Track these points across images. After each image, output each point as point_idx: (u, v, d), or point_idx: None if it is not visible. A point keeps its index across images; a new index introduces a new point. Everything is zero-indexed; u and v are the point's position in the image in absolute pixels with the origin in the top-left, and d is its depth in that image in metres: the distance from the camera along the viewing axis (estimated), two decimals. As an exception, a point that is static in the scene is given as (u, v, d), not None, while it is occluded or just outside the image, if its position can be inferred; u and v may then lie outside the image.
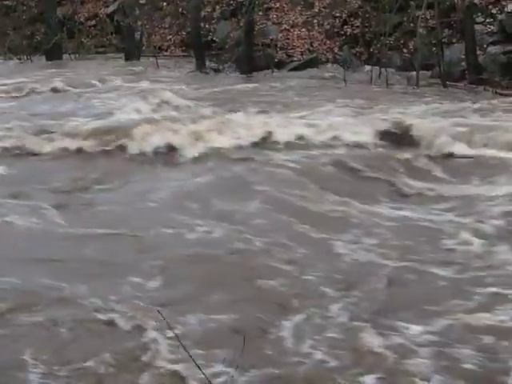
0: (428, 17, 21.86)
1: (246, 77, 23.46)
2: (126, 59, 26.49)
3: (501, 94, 18.51)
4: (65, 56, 28.46)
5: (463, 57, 21.01)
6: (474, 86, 19.88)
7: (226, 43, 25.46)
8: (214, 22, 26.29)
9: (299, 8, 25.56)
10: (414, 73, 20.46)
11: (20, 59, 28.51)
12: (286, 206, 10.54)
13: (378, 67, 21.61)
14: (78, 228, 9.54)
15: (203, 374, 6.54)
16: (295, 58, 24.45)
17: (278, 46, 24.86)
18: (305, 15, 25.34)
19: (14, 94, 19.67)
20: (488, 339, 7.18)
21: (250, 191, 11.60)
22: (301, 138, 13.51)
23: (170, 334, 7.85)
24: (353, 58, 23.50)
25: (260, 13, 25.14)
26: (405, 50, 22.64)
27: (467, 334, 7.30)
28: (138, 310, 7.22)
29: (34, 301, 7.72)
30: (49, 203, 10.39)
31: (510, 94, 18.11)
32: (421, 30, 21.72)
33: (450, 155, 12.52)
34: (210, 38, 25.82)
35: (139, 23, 27.08)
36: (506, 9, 21.23)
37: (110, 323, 7.43)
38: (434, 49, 21.42)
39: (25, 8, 30.41)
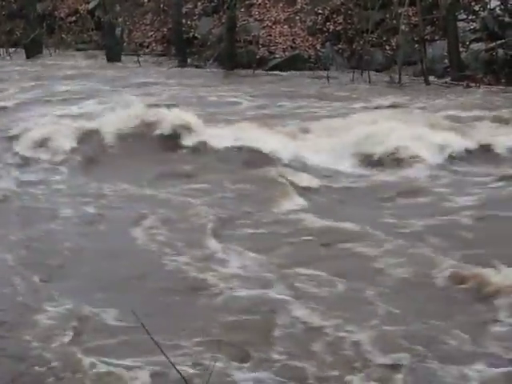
0: (410, 14, 21.96)
1: (226, 74, 23.52)
2: (108, 59, 26.30)
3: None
4: (45, 51, 28.38)
5: (446, 54, 21.14)
6: (457, 82, 20.01)
7: (208, 40, 25.46)
8: (195, 18, 26.28)
9: (281, 4, 25.58)
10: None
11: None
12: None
13: (360, 65, 21.79)
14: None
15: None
16: (277, 55, 24.43)
17: (260, 42, 24.86)
18: (287, 12, 25.36)
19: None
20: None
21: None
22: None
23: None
24: (335, 54, 23.55)
25: (242, 9, 25.19)
26: (387, 47, 22.70)
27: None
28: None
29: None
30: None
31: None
32: (403, 27, 21.84)
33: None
34: (191, 34, 25.78)
35: (120, 19, 27.07)
36: (488, 6, 21.39)
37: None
38: (417, 46, 21.55)
39: (4, 3, 30.29)
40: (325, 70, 22.29)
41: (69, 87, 20.64)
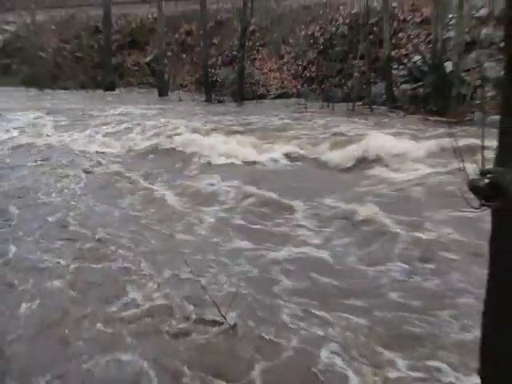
0: (360, 64, 21.94)
1: (238, 105, 23.69)
2: (159, 94, 26.50)
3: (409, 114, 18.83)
4: (117, 89, 28.61)
5: (384, 91, 21.19)
6: (391, 110, 20.10)
7: (226, 82, 25.57)
8: (217, 68, 26.32)
9: (274, 58, 25.69)
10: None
11: (87, 91, 28.54)
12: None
13: (327, 99, 21.87)
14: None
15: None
16: (271, 92, 24.59)
17: (260, 83, 25.02)
18: (278, 63, 25.45)
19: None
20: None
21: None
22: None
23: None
24: (310, 92, 23.62)
25: (248, 62, 25.29)
26: (345, 87, 22.71)
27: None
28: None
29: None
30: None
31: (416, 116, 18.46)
32: (356, 74, 21.90)
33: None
34: (214, 78, 25.82)
35: (167, 68, 27.13)
36: (412, 60, 21.43)
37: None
38: (365, 86, 21.57)
39: (89, 58, 30.36)
40: (304, 101, 22.39)
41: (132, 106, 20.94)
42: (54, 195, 11.30)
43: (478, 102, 17.80)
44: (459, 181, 3.46)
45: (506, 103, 3.60)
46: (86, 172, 13.15)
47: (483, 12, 20.39)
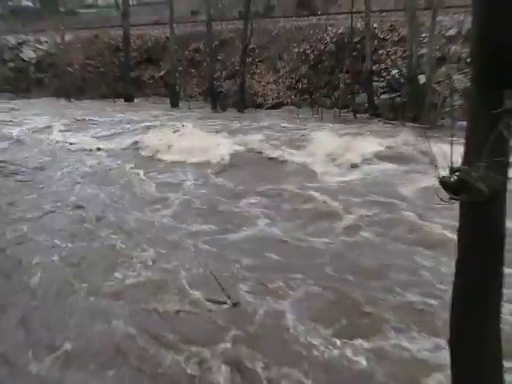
0: (346, 77, 21.95)
1: (241, 113, 23.66)
2: (171, 104, 26.46)
3: (388, 123, 18.84)
4: (135, 100, 28.57)
5: (366, 101, 21.21)
6: (372, 117, 20.13)
7: (229, 93, 25.48)
8: (221, 80, 26.17)
9: (271, 72, 25.62)
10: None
11: (110, 101, 28.48)
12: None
13: (316, 107, 21.89)
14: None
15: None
16: (269, 102, 24.58)
17: (259, 94, 24.99)
18: (274, 77, 25.41)
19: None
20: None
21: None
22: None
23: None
24: (302, 101, 23.59)
25: (248, 75, 25.23)
26: (332, 97, 22.72)
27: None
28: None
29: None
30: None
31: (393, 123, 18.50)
32: (342, 85, 21.91)
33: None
34: (219, 90, 25.73)
35: (178, 81, 27.08)
36: (391, 73, 21.42)
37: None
38: (349, 96, 21.59)
39: (111, 72, 30.32)
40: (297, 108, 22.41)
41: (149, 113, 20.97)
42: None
43: (447, 109, 17.81)
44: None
45: (471, 111, 3.62)
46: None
47: (452, 31, 20.42)
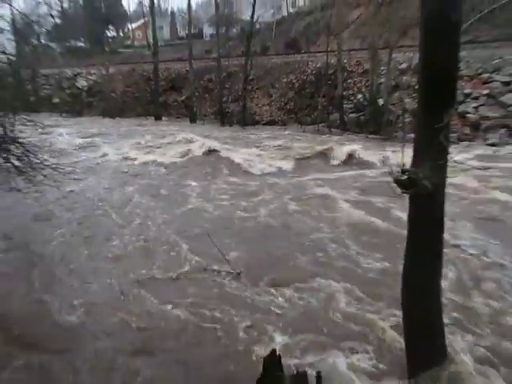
0: (323, 100, 21.87)
1: (243, 128, 23.50)
2: (190, 121, 26.31)
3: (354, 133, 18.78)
4: (163, 118, 28.36)
5: (338, 119, 21.14)
6: (343, 131, 20.07)
7: (234, 113, 25.36)
8: (229, 103, 26.10)
9: (266, 97, 25.48)
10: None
11: (142, 119, 28.27)
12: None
13: (300, 124, 21.81)
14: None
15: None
16: (264, 120, 24.42)
17: (256, 114, 24.85)
18: (268, 100, 25.27)
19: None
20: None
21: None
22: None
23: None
24: (289, 119, 23.48)
25: (248, 100, 25.11)
26: (312, 116, 22.53)
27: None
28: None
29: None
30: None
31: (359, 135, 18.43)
32: (319, 107, 21.82)
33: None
34: (227, 110, 25.64)
35: (195, 103, 26.96)
36: (357, 97, 21.36)
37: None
38: (325, 115, 21.52)
39: (145, 97, 30.15)
40: (284, 126, 22.35)
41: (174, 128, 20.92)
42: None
43: (400, 125, 17.79)
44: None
45: (418, 126, 3.61)
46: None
47: (404, 65, 20.34)
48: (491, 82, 18.06)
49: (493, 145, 16.06)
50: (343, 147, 13.79)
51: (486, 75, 18.29)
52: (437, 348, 3.94)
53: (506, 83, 17.69)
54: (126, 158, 14.39)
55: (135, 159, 14.11)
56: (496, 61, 18.61)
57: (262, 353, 4.00)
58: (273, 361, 3.21)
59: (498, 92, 17.63)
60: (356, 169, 11.65)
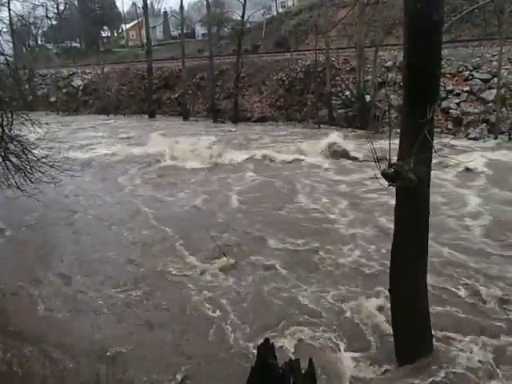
0: (312, 97, 21.86)
1: (235, 124, 23.41)
2: (183, 118, 26.12)
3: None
4: (157, 116, 28.12)
5: (327, 115, 21.14)
6: (331, 126, 20.07)
7: (226, 110, 25.22)
8: (221, 100, 25.94)
9: (257, 94, 25.32)
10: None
11: (136, 116, 28.07)
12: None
13: (290, 119, 21.79)
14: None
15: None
16: (255, 116, 24.29)
17: (248, 110, 24.72)
18: (259, 97, 25.14)
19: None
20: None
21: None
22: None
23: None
24: (279, 115, 23.37)
25: (240, 97, 24.98)
26: (302, 112, 22.49)
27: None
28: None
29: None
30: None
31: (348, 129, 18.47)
32: (309, 103, 21.82)
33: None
34: (219, 107, 25.50)
35: (188, 101, 26.79)
36: (345, 94, 21.38)
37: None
38: (315, 111, 21.51)
39: (139, 95, 29.88)
40: (275, 122, 22.34)
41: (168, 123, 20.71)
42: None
43: (386, 120, 17.86)
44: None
45: (403, 121, 3.62)
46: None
47: (389, 63, 20.41)
48: (472, 79, 18.17)
49: (474, 139, 16.21)
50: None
51: (467, 73, 18.41)
52: (423, 338, 3.98)
53: (486, 80, 17.82)
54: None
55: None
56: (476, 59, 18.72)
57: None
58: (266, 349, 3.24)
59: (478, 89, 17.76)
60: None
